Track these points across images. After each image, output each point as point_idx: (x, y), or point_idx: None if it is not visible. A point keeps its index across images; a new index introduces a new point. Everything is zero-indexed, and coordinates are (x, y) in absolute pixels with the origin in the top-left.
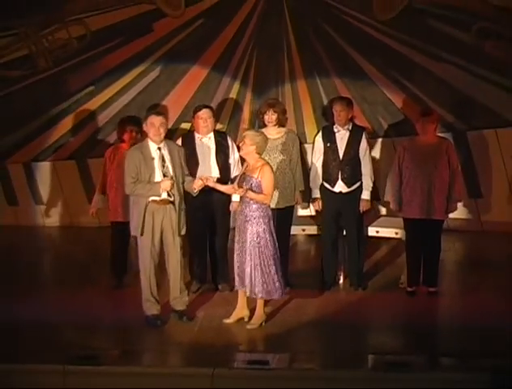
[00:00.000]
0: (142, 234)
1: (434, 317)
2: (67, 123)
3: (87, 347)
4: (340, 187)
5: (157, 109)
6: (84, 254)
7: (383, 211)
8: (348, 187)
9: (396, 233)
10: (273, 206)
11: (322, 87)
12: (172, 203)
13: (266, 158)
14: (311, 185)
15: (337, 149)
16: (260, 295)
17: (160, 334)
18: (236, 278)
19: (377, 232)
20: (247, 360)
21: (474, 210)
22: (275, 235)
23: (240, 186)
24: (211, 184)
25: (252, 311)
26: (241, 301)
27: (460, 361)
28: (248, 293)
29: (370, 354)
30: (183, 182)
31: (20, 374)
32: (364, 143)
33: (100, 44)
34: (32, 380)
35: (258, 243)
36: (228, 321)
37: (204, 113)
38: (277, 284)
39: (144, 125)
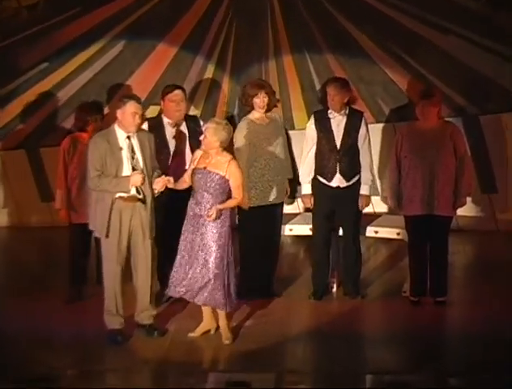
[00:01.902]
0: (107, 235)
1: (441, 330)
2: (16, 106)
3: (41, 366)
4: (338, 181)
5: (131, 93)
6: (37, 259)
7: (383, 208)
8: (347, 181)
9: (398, 234)
10: (270, 200)
11: (312, 64)
12: (142, 200)
13: (254, 147)
14: (301, 179)
15: (333, 137)
16: (206, 303)
17: (125, 351)
18: (183, 287)
19: (376, 232)
20: (226, 380)
21: (487, 206)
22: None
23: (195, 182)
24: (170, 185)
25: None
26: (207, 313)
27: (469, 382)
28: (192, 300)
29: (368, 374)
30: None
31: None
32: (363, 130)
33: (54, 15)
34: None
35: (219, 246)
36: (192, 335)
37: (176, 95)
38: (232, 294)
39: (120, 111)
